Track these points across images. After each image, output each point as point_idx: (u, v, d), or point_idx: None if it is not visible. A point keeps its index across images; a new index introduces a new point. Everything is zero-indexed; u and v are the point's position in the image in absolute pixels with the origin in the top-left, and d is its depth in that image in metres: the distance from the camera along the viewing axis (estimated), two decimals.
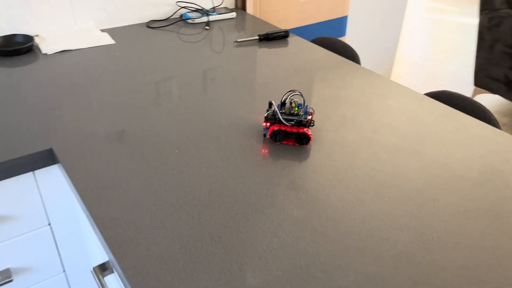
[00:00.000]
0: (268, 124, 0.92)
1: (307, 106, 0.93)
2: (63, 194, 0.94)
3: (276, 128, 0.90)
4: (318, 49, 1.39)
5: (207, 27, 1.50)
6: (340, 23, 2.13)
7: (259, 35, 1.41)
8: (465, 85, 3.36)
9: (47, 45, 1.29)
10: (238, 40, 1.39)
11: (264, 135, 0.94)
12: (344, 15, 2.12)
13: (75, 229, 1.00)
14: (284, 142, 0.92)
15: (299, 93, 0.91)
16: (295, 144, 0.92)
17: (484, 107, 1.21)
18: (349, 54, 1.58)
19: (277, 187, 0.79)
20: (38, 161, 0.86)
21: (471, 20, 4.55)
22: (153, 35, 1.45)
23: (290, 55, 1.34)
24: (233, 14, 1.61)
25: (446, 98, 1.28)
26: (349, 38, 2.29)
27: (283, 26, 1.89)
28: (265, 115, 0.92)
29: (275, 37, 1.41)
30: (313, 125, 0.94)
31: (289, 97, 0.92)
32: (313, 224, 0.71)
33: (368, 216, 0.73)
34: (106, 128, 0.93)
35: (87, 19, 1.42)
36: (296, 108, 0.91)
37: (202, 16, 1.55)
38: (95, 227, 0.70)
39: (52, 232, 0.96)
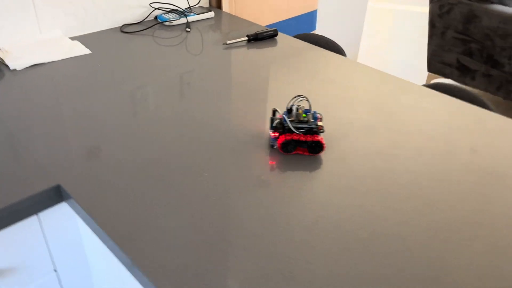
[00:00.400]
0: (276, 134, 0.85)
1: (315, 111, 0.87)
2: (70, 236, 0.82)
3: (287, 138, 0.82)
4: (309, 47, 1.34)
5: (188, 29, 1.40)
6: (310, 18, 2.10)
7: (248, 36, 1.33)
8: (417, 71, 3.49)
9: (14, 59, 1.12)
10: (227, 42, 1.30)
11: (272, 146, 0.87)
12: (314, 9, 2.09)
13: (84, 274, 0.87)
14: (295, 152, 0.85)
15: (305, 98, 0.85)
16: (306, 153, 0.85)
17: (480, 97, 1.23)
18: (335, 49, 1.55)
19: (294, 201, 0.73)
20: (43, 201, 0.73)
21: (421, 8, 4.73)
22: (130, 40, 1.32)
23: (282, 55, 1.28)
24: (211, 14, 1.51)
25: (443, 90, 1.29)
26: (319, 32, 2.27)
27: (259, 23, 1.82)
28: (273, 124, 0.84)
29: (264, 37, 1.34)
30: (323, 132, 0.87)
31: (295, 103, 0.85)
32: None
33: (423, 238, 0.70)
34: (111, 152, 0.82)
35: (54, 27, 1.26)
36: (304, 115, 0.85)
37: (180, 18, 1.44)
38: (142, 275, 0.60)
39: (59, 279, 0.83)
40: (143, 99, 1.01)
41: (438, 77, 3.16)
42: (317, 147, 0.83)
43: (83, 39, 1.31)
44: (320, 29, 2.26)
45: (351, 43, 2.63)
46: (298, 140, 0.83)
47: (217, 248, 0.63)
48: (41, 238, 0.78)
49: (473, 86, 2.98)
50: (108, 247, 0.67)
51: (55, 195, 0.74)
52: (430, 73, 3.25)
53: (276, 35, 1.37)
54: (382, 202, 0.73)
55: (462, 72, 3.04)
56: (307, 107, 0.89)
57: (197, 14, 1.48)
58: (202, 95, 1.04)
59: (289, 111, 0.87)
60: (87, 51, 1.21)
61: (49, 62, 1.14)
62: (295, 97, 0.87)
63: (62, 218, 0.79)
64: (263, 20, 1.87)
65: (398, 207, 0.73)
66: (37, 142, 0.83)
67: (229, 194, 0.74)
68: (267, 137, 0.90)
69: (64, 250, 0.82)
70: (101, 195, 0.72)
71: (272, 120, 0.88)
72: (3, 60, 1.12)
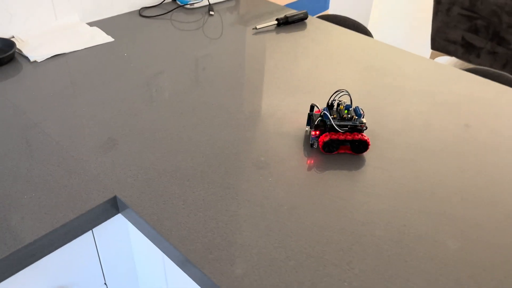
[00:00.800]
0: (317, 132, 0.79)
1: (357, 107, 0.80)
2: (121, 248, 0.76)
3: (330, 137, 0.76)
4: (340, 30, 1.27)
5: (211, 13, 1.31)
6: None
7: (277, 20, 1.25)
8: (419, 49, 3.44)
9: (32, 49, 1.02)
10: (258, 27, 1.22)
11: (311, 145, 0.80)
12: None
13: (133, 285, 0.82)
14: (343, 151, 0.79)
15: (346, 93, 0.80)
16: (348, 152, 0.79)
17: None
18: (363, 31, 1.49)
19: (334, 203, 0.68)
20: (100, 215, 0.66)
21: None
22: (149, 25, 1.22)
23: (314, 39, 1.20)
24: None
25: (482, 75, 1.25)
26: (331, 12, 2.19)
27: (277, 2, 1.73)
28: (315, 122, 0.78)
29: (294, 20, 1.27)
30: (366, 129, 0.81)
31: (336, 98, 0.80)
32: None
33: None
34: (165, 162, 0.75)
35: (70, 12, 1.15)
36: (346, 111, 0.79)
37: (201, 0, 1.35)
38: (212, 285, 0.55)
39: None
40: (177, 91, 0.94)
41: (442, 55, 3.12)
42: (362, 146, 0.78)
43: (101, 24, 1.21)
44: (332, 9, 2.18)
45: (361, 21, 2.56)
46: (340, 139, 0.77)
47: (289, 264, 0.59)
48: (94, 253, 0.71)
49: (478, 64, 2.95)
50: (174, 261, 0.62)
51: (112, 207, 0.68)
52: (434, 51, 3.21)
53: (306, 18, 1.29)
54: (439, 207, 0.69)
55: (467, 49, 3.00)
56: (348, 102, 0.83)
57: None
58: (229, 83, 0.97)
59: (329, 106, 0.81)
60: (109, 38, 1.11)
61: (70, 52, 1.05)
62: (336, 91, 0.81)
63: (115, 230, 0.73)
64: (280, 1, 1.78)
65: (465, 216, 0.69)
66: (81, 149, 0.76)
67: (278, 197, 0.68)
68: (302, 133, 0.84)
69: (115, 263, 0.76)
70: (159, 203, 0.66)
71: (310, 117, 0.82)
72: (20, 51, 1.02)
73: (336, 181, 0.72)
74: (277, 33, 1.24)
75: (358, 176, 0.74)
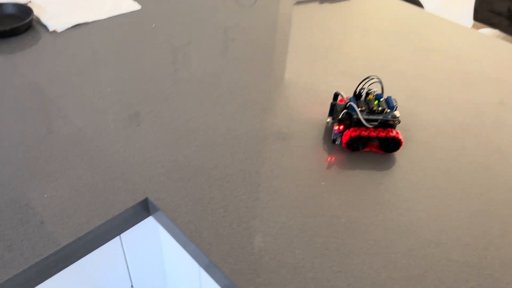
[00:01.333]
0: (341, 127, 0.67)
1: (390, 97, 0.68)
2: (149, 251, 0.68)
3: (356, 133, 0.65)
4: (391, 2, 1.13)
5: None
6: None
7: None
8: (459, 20, 3.21)
9: (51, 17, 0.92)
10: None
11: (333, 141, 0.69)
12: None
13: (160, 286, 0.75)
14: (368, 149, 0.68)
15: (377, 80, 0.67)
16: (375, 150, 0.68)
17: None
18: (414, 2, 1.33)
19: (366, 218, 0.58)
20: (129, 219, 0.58)
21: None
22: None
23: (363, 13, 1.07)
24: None
25: None
26: None
27: None
28: (339, 115, 0.67)
29: None
30: (399, 123, 0.69)
31: (366, 86, 0.68)
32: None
33: None
34: (200, 160, 0.66)
35: None
36: (376, 102, 0.67)
37: None
38: None
39: None
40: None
41: (484, 27, 2.90)
42: (393, 145, 0.66)
43: None
44: None
45: None
46: (369, 136, 0.66)
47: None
48: (121, 257, 0.64)
49: None
50: (215, 279, 0.54)
51: (143, 210, 0.59)
52: (476, 22, 2.99)
53: None
54: (479, 222, 0.59)
55: None
56: (379, 91, 0.71)
57: None
58: (260, 57, 0.86)
59: (357, 96, 0.69)
60: (135, 6, 1.00)
61: (93, 22, 0.94)
62: (366, 79, 0.68)
63: (145, 233, 0.65)
64: None
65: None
66: (106, 138, 0.67)
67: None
68: (324, 126, 0.72)
69: (143, 265, 0.69)
70: (196, 208, 0.57)
71: (333, 107, 0.69)
72: (38, 19, 0.92)
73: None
74: (321, 3, 1.11)
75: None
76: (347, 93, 0.79)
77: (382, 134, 0.65)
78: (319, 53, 0.91)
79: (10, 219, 0.53)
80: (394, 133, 0.66)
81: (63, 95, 0.74)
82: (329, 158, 0.66)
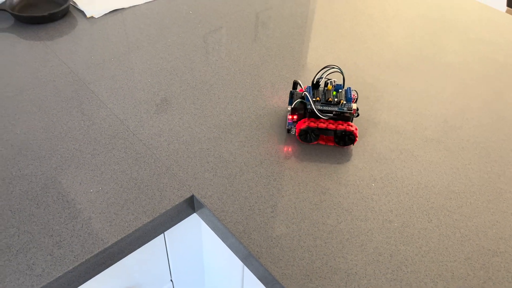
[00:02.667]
0: (295, 117, 0.64)
1: (349, 88, 0.65)
2: (190, 247, 0.67)
3: (309, 124, 0.62)
4: None
5: None
6: None
7: None
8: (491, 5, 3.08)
9: (88, 2, 0.90)
10: None
11: (288, 131, 0.67)
12: None
13: (198, 282, 0.75)
14: (323, 142, 0.65)
15: (338, 69, 0.63)
16: (330, 143, 0.65)
17: None
18: None
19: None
20: (175, 216, 0.57)
21: None
22: None
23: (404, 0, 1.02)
24: None
25: None
26: None
27: None
28: (292, 104, 0.64)
29: None
30: (357, 116, 0.66)
31: (324, 75, 0.64)
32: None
33: None
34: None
35: None
36: (334, 92, 0.64)
37: None
38: None
39: None
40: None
41: None
42: (348, 139, 0.63)
43: None
44: None
45: None
46: (324, 128, 0.63)
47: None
48: (163, 253, 0.63)
49: None
50: (263, 282, 0.53)
51: (188, 208, 0.58)
52: (509, 8, 2.86)
53: None
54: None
55: None
56: (340, 82, 0.67)
57: None
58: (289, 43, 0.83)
59: (314, 85, 0.65)
60: None
61: (130, 7, 0.92)
62: (325, 67, 0.64)
63: (188, 229, 0.64)
64: None
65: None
66: (149, 131, 0.66)
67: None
68: (284, 116, 0.70)
69: (183, 261, 0.68)
70: (244, 208, 0.56)
71: (292, 95, 0.66)
72: (75, 4, 0.90)
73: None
74: None
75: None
76: (395, 90, 0.76)
77: (338, 127, 0.62)
78: (362, 42, 0.87)
79: (58, 214, 0.53)
80: (350, 126, 0.62)
81: (103, 85, 0.73)
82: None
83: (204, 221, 0.59)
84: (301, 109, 0.64)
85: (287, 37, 0.87)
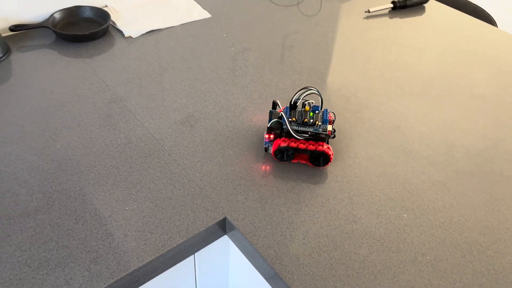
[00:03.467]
0: (272, 136, 0.66)
1: (326, 110, 0.66)
2: (219, 269, 0.68)
3: (284, 144, 0.63)
4: (465, 19, 1.07)
5: None
6: None
7: (393, 2, 1.08)
8: None
9: (127, 23, 0.93)
10: (371, 10, 1.06)
11: (266, 150, 0.68)
12: None
13: None
14: (296, 161, 0.66)
15: (315, 91, 0.65)
16: (303, 162, 0.66)
17: None
18: (485, 19, 1.27)
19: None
20: (206, 237, 0.58)
21: None
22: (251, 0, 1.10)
23: (438, 29, 1.02)
24: None
25: None
26: None
27: None
28: (269, 123, 0.65)
29: (413, 4, 1.09)
30: (334, 137, 0.67)
31: (302, 97, 0.65)
32: None
33: None
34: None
35: None
36: (312, 114, 0.65)
37: None
38: None
39: None
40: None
41: None
42: (322, 160, 0.64)
43: None
44: None
45: None
46: (298, 147, 0.64)
47: None
48: (192, 274, 0.64)
49: None
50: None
51: (220, 229, 0.59)
52: None
53: (426, 1, 1.11)
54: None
55: None
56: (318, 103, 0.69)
57: None
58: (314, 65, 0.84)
59: (292, 106, 0.66)
60: (206, 14, 1.00)
61: (165, 28, 0.95)
62: (302, 89, 0.66)
63: (217, 251, 0.65)
64: None
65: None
66: (183, 151, 0.67)
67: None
68: (262, 135, 0.71)
69: (209, 281, 0.69)
70: (275, 233, 0.56)
71: (271, 115, 0.67)
72: (114, 24, 0.94)
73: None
74: (391, 17, 1.07)
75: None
76: (426, 120, 0.76)
77: (312, 147, 0.63)
78: (392, 70, 0.88)
79: (95, 230, 0.54)
80: (324, 147, 0.63)
81: (140, 104, 0.75)
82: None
83: (235, 244, 0.59)
84: (277, 129, 0.65)
85: (315, 62, 0.89)
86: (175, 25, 0.96)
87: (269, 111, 0.71)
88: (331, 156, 0.63)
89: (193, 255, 0.62)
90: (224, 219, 0.58)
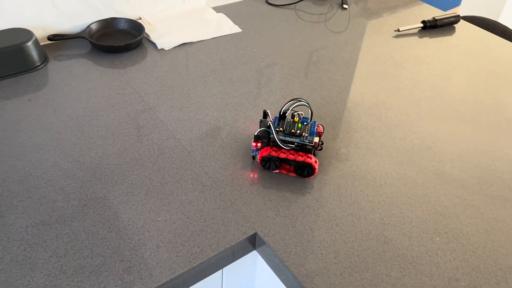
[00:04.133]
0: (259, 144, 0.66)
1: (314, 122, 0.67)
2: (244, 283, 0.68)
3: (270, 153, 0.64)
4: (496, 40, 1.07)
5: (345, 6, 1.16)
6: None
7: (424, 22, 1.08)
8: None
9: (160, 35, 0.96)
10: (400, 29, 1.06)
11: (253, 158, 0.68)
12: None
13: None
14: (279, 171, 0.67)
15: (306, 103, 0.66)
16: (292, 174, 0.67)
17: None
18: None
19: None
20: (236, 252, 0.58)
21: None
22: (276, 14, 1.11)
23: (469, 50, 1.01)
24: None
25: None
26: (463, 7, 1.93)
27: None
28: (257, 131, 0.65)
29: (444, 24, 1.09)
30: (320, 149, 0.69)
31: (291, 107, 0.66)
32: None
33: None
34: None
35: None
36: (300, 125, 0.65)
37: None
38: None
39: None
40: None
41: None
42: (307, 171, 0.65)
43: (227, 10, 1.11)
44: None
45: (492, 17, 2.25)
46: (282, 158, 0.65)
47: None
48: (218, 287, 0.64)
49: None
50: None
51: (249, 244, 0.59)
52: None
53: (457, 21, 1.10)
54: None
55: None
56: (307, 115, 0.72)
57: None
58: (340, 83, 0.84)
59: (281, 116, 0.67)
60: (236, 29, 1.02)
61: (197, 42, 0.97)
62: (292, 100, 0.66)
63: (244, 266, 0.65)
64: None
65: None
66: (214, 164, 0.68)
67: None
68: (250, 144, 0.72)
69: None
70: (306, 250, 0.56)
71: (261, 124, 0.68)
72: (148, 36, 0.96)
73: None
74: (421, 37, 1.07)
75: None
76: (458, 142, 0.75)
77: (298, 158, 0.63)
78: (423, 90, 0.87)
79: (128, 239, 0.55)
80: (312, 160, 0.64)
81: (172, 115, 0.76)
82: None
83: (264, 259, 0.59)
84: (264, 138, 0.66)
85: (344, 79, 0.89)
86: (207, 38, 0.97)
87: (259, 120, 0.73)
88: (316, 168, 0.65)
89: (221, 269, 0.62)
90: (255, 234, 0.58)
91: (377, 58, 0.97)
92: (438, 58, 0.99)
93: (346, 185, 0.66)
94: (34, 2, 0.87)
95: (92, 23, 0.94)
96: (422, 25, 1.08)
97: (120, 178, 0.63)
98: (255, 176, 0.66)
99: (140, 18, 1.01)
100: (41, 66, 0.85)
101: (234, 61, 0.92)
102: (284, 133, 0.65)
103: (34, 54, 0.83)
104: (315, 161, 0.64)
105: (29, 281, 0.50)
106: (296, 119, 0.66)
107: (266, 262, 0.59)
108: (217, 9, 1.11)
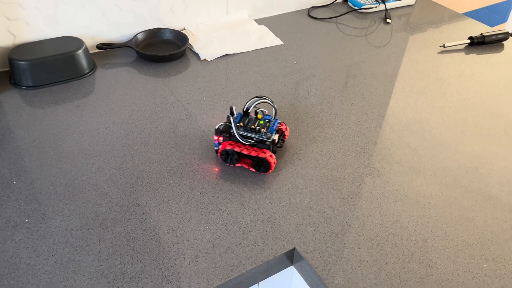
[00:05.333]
0: (220, 138, 0.68)
1: (276, 120, 0.70)
2: None
3: (229, 147, 0.67)
4: None
5: (388, 21, 1.15)
6: (505, 8, 1.71)
7: (471, 38, 1.05)
8: None
9: (203, 46, 0.97)
10: (446, 44, 1.03)
11: (216, 151, 0.71)
12: None
13: None
14: (239, 165, 0.69)
15: (269, 101, 0.67)
16: (248, 167, 0.69)
17: None
18: None
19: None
20: (273, 267, 0.58)
21: None
22: (317, 26, 1.11)
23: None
24: (412, 0, 1.24)
25: None
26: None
27: (455, 9, 1.51)
28: (217, 126, 0.69)
29: (491, 41, 1.05)
30: (280, 147, 0.70)
31: (254, 104, 0.67)
32: None
33: None
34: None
35: (241, 7, 1.09)
36: (262, 122, 0.68)
37: (376, 4, 1.19)
38: None
39: None
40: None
41: None
42: (263, 166, 0.67)
43: (269, 22, 1.12)
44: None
45: None
46: (241, 152, 0.67)
47: None
48: None
49: None
50: None
51: (287, 259, 0.59)
52: None
53: (506, 38, 1.06)
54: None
55: None
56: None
57: (397, 0, 1.21)
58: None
59: (245, 113, 0.69)
60: (278, 41, 1.02)
61: (239, 53, 0.98)
62: (256, 97, 0.68)
63: (279, 281, 0.64)
64: (457, 7, 1.54)
65: None
66: (254, 178, 0.68)
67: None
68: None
69: None
70: (346, 269, 0.55)
71: (228, 120, 0.69)
72: (191, 46, 0.98)
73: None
74: (467, 53, 1.04)
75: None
76: (507, 164, 0.72)
77: (253, 153, 0.65)
78: (469, 109, 0.84)
79: (168, 247, 0.56)
80: (266, 154, 0.66)
81: (213, 126, 0.77)
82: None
83: (302, 276, 0.58)
84: (226, 132, 0.68)
85: (385, 93, 0.87)
86: (248, 50, 0.98)
87: (227, 116, 0.76)
88: (272, 164, 0.66)
89: (257, 283, 0.61)
90: (293, 250, 0.57)
91: (420, 73, 0.95)
92: (486, 76, 0.96)
93: (388, 204, 0.64)
94: (86, 12, 0.91)
95: (138, 33, 0.97)
96: (469, 41, 1.04)
97: (161, 186, 0.64)
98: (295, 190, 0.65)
99: (184, 29, 1.03)
100: (90, 73, 0.88)
101: (275, 73, 0.93)
102: (245, 128, 0.67)
103: (84, 62, 0.87)
104: (270, 156, 0.66)
105: (72, 284, 0.51)
106: (259, 116, 0.69)
107: (304, 279, 0.58)
108: (259, 21, 1.13)
